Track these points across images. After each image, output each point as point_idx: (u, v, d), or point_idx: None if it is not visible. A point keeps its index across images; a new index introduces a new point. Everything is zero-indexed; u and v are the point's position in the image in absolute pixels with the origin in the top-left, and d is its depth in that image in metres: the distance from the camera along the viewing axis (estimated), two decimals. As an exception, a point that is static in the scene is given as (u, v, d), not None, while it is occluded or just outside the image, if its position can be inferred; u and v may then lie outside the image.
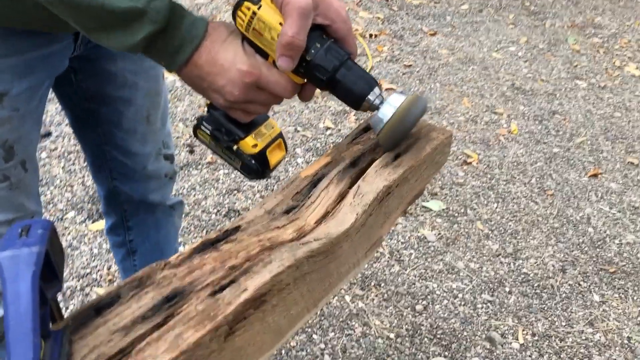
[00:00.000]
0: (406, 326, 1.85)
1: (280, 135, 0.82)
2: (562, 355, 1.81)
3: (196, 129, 0.83)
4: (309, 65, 0.70)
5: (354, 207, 0.73)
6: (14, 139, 0.90)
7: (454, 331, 1.85)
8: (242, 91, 0.70)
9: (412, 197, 0.85)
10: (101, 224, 2.07)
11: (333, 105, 2.97)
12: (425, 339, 1.82)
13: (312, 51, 0.70)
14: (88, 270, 1.94)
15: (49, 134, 2.55)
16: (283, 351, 1.74)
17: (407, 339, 1.81)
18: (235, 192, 2.35)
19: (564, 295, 2.03)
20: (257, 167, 0.80)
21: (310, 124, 2.80)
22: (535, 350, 1.82)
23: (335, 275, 0.72)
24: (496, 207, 2.40)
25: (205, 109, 0.83)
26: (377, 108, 0.74)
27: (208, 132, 0.81)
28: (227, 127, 0.79)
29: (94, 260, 1.98)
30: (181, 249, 2.05)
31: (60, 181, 2.31)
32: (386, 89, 3.17)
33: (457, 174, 2.56)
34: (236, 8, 0.71)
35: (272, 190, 2.39)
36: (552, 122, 3.04)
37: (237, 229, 0.70)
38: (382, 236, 0.81)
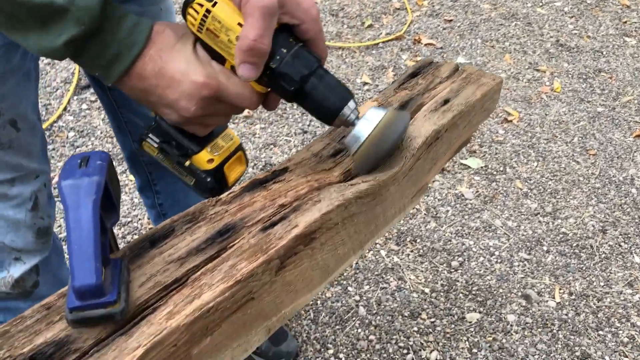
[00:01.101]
0: (441, 282, 1.86)
1: (240, 147, 0.73)
2: (599, 315, 1.80)
3: (142, 140, 0.71)
4: (273, 74, 0.61)
5: (402, 150, 0.72)
6: None
7: (490, 288, 1.85)
8: (199, 105, 0.61)
9: (460, 144, 0.84)
10: (141, 175, 2.11)
11: (371, 60, 2.93)
12: (460, 295, 1.82)
13: (278, 57, 0.60)
14: (129, 219, 1.99)
15: (88, 86, 2.59)
16: (319, 302, 1.78)
17: (442, 294, 1.82)
18: (272, 146, 2.36)
19: (603, 255, 2.00)
20: (214, 185, 0.70)
21: (347, 79, 2.78)
22: (572, 309, 1.81)
23: (381, 218, 0.72)
24: (536, 166, 2.36)
25: (154, 117, 0.71)
26: (352, 124, 0.65)
27: (155, 145, 0.70)
28: (178, 139, 0.69)
29: (134, 209, 2.03)
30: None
31: (101, 132, 2.35)
32: (425, 45, 3.11)
33: (497, 132, 2.52)
34: (186, 5, 0.60)
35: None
36: (597, 80, 2.95)
37: (284, 170, 0.70)
38: (428, 182, 0.80)
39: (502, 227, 2.07)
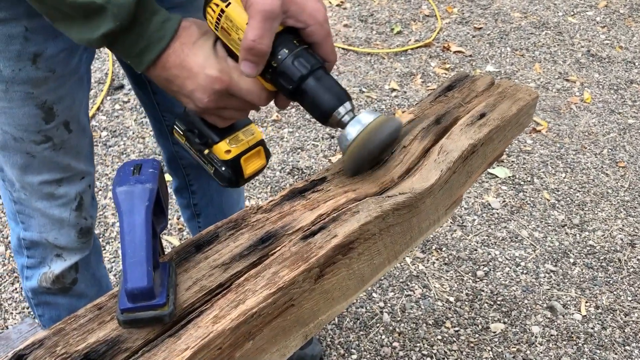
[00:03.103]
0: (466, 291, 1.86)
1: (261, 142, 0.76)
2: (626, 330, 1.79)
3: (171, 128, 0.79)
4: (274, 72, 0.65)
5: (438, 164, 0.74)
6: (52, 100, 0.88)
7: (515, 299, 1.84)
8: (212, 98, 0.66)
9: (494, 157, 0.85)
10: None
11: (399, 66, 2.94)
12: (485, 305, 1.82)
13: (279, 57, 0.64)
14: (159, 219, 2.03)
15: (121, 87, 2.65)
16: (343, 307, 1.79)
17: (466, 303, 1.82)
18: (299, 150, 2.38)
19: (631, 270, 1.98)
20: (230, 175, 0.74)
21: (375, 85, 2.79)
22: (597, 323, 1.80)
23: (416, 230, 0.74)
24: (564, 177, 2.35)
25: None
26: (345, 125, 0.67)
27: (181, 132, 0.77)
28: (201, 129, 0.74)
29: (164, 209, 2.07)
30: (247, 203, 2.11)
31: (133, 132, 2.40)
32: (454, 52, 3.11)
33: (525, 142, 2.51)
34: (206, 4, 0.66)
35: (335, 149, 2.41)
36: (629, 92, 2.92)
37: (323, 179, 0.72)
38: (462, 195, 0.81)
39: (528, 237, 2.06)
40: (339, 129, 0.68)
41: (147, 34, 0.63)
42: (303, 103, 0.67)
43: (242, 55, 0.63)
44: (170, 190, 2.13)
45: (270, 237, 0.61)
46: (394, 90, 2.77)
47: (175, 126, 0.77)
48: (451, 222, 2.09)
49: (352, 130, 0.67)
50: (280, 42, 0.64)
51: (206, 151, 0.75)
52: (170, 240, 1.96)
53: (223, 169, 0.74)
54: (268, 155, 0.78)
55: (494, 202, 2.19)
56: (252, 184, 2.21)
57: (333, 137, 2.46)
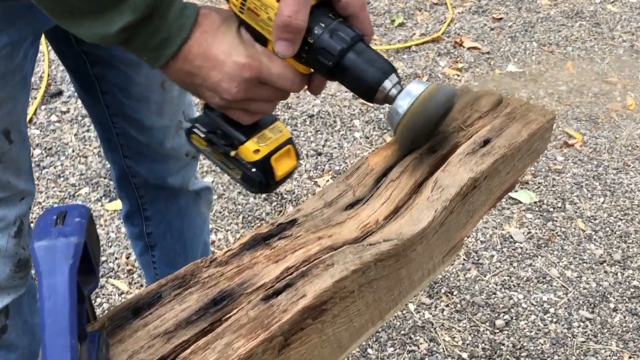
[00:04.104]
0: (483, 345, 1.87)
1: (290, 141, 0.83)
2: (678, 392, 1.80)
3: (190, 133, 0.84)
4: (311, 50, 0.72)
5: (432, 202, 0.76)
6: None
7: (542, 354, 1.86)
8: (241, 87, 0.72)
9: (502, 192, 0.87)
10: (119, 204, 2.16)
11: (401, 66, 2.98)
12: (506, 362, 1.84)
13: (315, 32, 0.71)
14: (104, 258, 2.04)
15: (60, 93, 2.66)
16: (331, 366, 1.80)
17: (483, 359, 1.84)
18: (278, 171, 2.40)
19: (685, 316, 2.00)
20: (260, 178, 0.80)
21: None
22: (644, 383, 1.81)
23: (406, 283, 0.75)
24: (602, 202, 2.38)
25: (201, 109, 0.85)
26: (393, 99, 0.74)
27: (202, 135, 0.83)
28: (225, 129, 0.81)
29: (110, 246, 2.08)
30: (212, 237, 2.12)
31: (73, 150, 2.41)
32: (468, 49, 3.15)
33: (555, 159, 2.54)
34: None
35: (323, 169, 2.43)
36: (681, 96, 2.97)
37: (292, 222, 0.74)
38: (463, 238, 0.83)
39: (559, 277, 2.08)
40: (387, 105, 0.75)
41: (166, 24, 0.68)
42: (344, 80, 0.74)
43: (277, 34, 0.70)
44: (111, 227, 2.14)
45: (224, 298, 0.63)
46: (394, 95, 2.80)
47: (193, 130, 0.83)
48: (464, 259, 2.11)
49: (403, 103, 0.73)
50: (314, 17, 0.70)
51: (232, 153, 0.81)
52: (118, 285, 1.96)
53: (253, 170, 0.80)
54: (298, 155, 0.84)
55: (516, 233, 2.21)
56: (221, 213, 2.23)
57: (320, 154, 2.48)
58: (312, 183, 2.38)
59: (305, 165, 2.43)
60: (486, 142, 0.82)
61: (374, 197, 0.78)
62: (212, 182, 2.32)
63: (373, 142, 2.56)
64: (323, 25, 0.71)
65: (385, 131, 2.62)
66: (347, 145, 2.54)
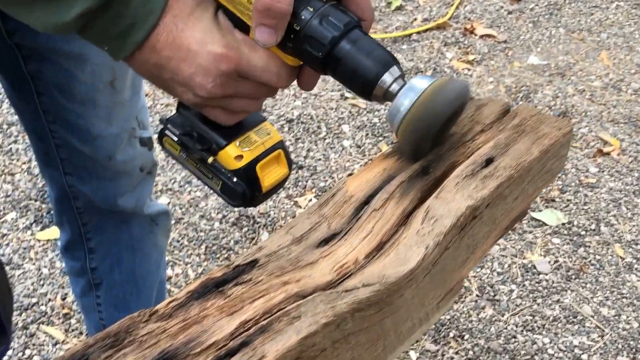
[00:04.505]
0: (500, 400, 1.88)
1: (280, 144, 0.84)
2: None
3: (162, 135, 0.86)
4: (298, 38, 0.73)
5: (422, 236, 0.76)
6: None
7: (573, 410, 1.86)
8: (217, 82, 0.74)
9: (510, 221, 0.87)
10: (54, 232, 2.16)
11: (400, 59, 2.99)
12: (529, 421, 1.84)
13: (302, 17, 0.72)
14: (34, 300, 2.03)
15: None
16: None
17: (500, 419, 1.84)
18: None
19: None
20: (244, 189, 0.82)
21: (364, 88, 2.84)
22: None
23: (392, 336, 0.75)
24: (645, 223, 2.39)
25: (175, 107, 0.86)
26: (394, 96, 0.76)
27: (176, 139, 0.84)
28: (201, 131, 0.82)
29: (43, 284, 2.07)
30: (169, 272, 2.12)
31: (-3, 166, 2.41)
32: (481, 37, 3.17)
33: (587, 170, 2.56)
34: None
35: (305, 186, 2.43)
36: None
37: (252, 264, 0.74)
38: (463, 278, 0.84)
39: (593, 316, 2.09)
40: (387, 103, 0.76)
41: (131, 9, 0.70)
42: (337, 74, 0.75)
43: (257, 19, 0.71)
44: (48, 258, 2.13)
45: (166, 360, 0.63)
46: (392, 95, 2.81)
47: (166, 132, 0.85)
48: (477, 296, 2.11)
49: (405, 101, 0.75)
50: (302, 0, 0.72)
51: (210, 159, 0.82)
52: (52, 333, 1.95)
53: (234, 180, 0.81)
54: (290, 161, 0.86)
55: (541, 263, 2.22)
56: (179, 242, 2.23)
57: (302, 168, 2.49)
58: (292, 203, 2.39)
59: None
60: (489, 161, 0.82)
61: (353, 230, 0.78)
62: (168, 203, 2.33)
63: (366, 152, 2.57)
64: (311, 9, 0.72)
65: (380, 138, 2.63)
66: (334, 156, 2.55)
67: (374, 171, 0.85)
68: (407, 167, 0.83)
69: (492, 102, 0.91)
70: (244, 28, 0.74)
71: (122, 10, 0.70)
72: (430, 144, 0.82)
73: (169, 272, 2.13)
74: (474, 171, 0.82)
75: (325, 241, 0.78)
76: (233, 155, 0.81)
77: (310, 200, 2.38)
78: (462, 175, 0.81)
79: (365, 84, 0.75)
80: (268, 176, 0.83)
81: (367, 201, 0.81)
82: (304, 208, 2.29)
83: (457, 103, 0.79)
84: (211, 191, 0.85)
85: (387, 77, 0.75)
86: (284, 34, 0.73)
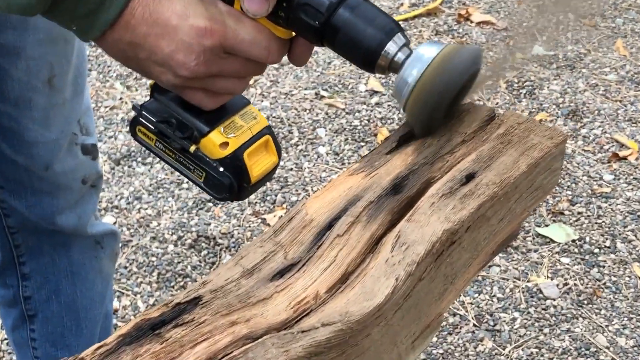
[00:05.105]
0: None
1: (268, 129, 0.87)
2: None
3: (135, 124, 0.88)
4: (291, 6, 0.76)
5: (392, 266, 0.76)
6: None
7: None
8: (201, 59, 0.76)
9: (497, 245, 0.88)
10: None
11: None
12: None
13: None
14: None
15: None
16: None
17: None
18: (209, 204, 2.40)
19: None
20: (231, 180, 0.84)
21: (342, 85, 2.84)
22: None
23: (358, 383, 0.76)
24: (668, 238, 2.40)
25: (149, 92, 0.88)
26: (400, 67, 0.79)
27: (152, 127, 0.86)
28: (181, 117, 0.84)
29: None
30: (115, 304, 2.11)
31: None
32: (478, 24, 3.19)
33: (601, 178, 2.57)
34: None
35: (274, 201, 2.44)
36: None
37: (195, 301, 0.74)
38: (442, 313, 0.84)
39: (609, 348, 2.10)
40: (392, 74, 0.79)
41: None
42: (335, 45, 0.79)
43: None
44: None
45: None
46: (375, 93, 2.82)
47: (140, 120, 0.87)
48: (475, 326, 2.12)
49: (413, 71, 0.78)
50: None
51: (192, 148, 0.84)
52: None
53: (221, 170, 0.83)
54: (279, 148, 0.88)
55: (547, 286, 2.22)
56: (127, 268, 2.22)
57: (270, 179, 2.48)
58: (259, 221, 2.39)
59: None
60: (470, 177, 0.83)
61: (313, 259, 0.79)
62: (114, 223, 2.32)
63: (345, 161, 2.58)
64: None
65: (362, 144, 2.63)
66: (308, 166, 2.55)
67: (339, 190, 0.85)
68: (375, 185, 0.84)
69: (474, 107, 0.92)
70: None
71: None
72: (442, 118, 0.85)
73: (115, 304, 2.12)
74: (453, 189, 0.82)
75: (281, 273, 0.78)
76: (218, 142, 0.83)
77: (281, 217, 2.38)
78: (439, 194, 0.82)
79: (367, 54, 0.78)
80: (257, 165, 0.85)
81: (329, 225, 0.82)
82: (281, 218, 2.29)
83: (470, 71, 0.81)
84: (186, 186, 0.86)
85: (391, 46, 0.77)
86: (275, 2, 0.75)
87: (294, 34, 0.80)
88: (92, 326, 1.55)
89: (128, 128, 0.90)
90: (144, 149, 0.91)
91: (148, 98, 0.89)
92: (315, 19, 0.76)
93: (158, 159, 2.21)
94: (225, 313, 0.73)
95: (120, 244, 2.25)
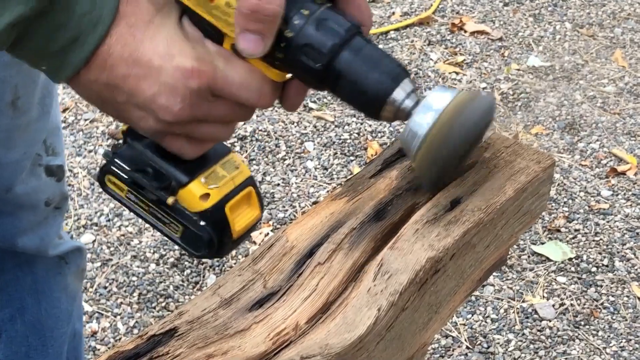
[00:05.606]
0: None
1: (250, 180, 0.83)
2: None
3: (104, 173, 0.83)
4: (290, 47, 0.73)
5: (374, 295, 0.77)
6: None
7: None
8: (186, 102, 0.72)
9: (483, 272, 0.89)
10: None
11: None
12: None
13: (295, 22, 0.72)
14: None
15: None
16: None
17: None
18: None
19: None
20: (210, 235, 0.80)
21: (332, 98, 2.84)
22: None
23: (340, 417, 0.76)
24: (668, 256, 2.41)
25: (121, 137, 0.84)
26: (409, 115, 0.76)
27: (125, 176, 0.82)
28: (158, 165, 0.80)
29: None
30: (94, 326, 2.11)
31: None
32: (472, 34, 3.19)
33: (599, 194, 2.57)
34: None
35: (264, 221, 2.43)
36: None
37: (171, 333, 0.75)
38: (427, 343, 0.85)
39: (605, 370, 2.10)
40: (400, 122, 0.77)
41: (74, 17, 0.68)
42: (337, 90, 0.76)
43: (242, 24, 0.70)
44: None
45: None
46: (365, 105, 2.82)
47: (111, 168, 0.82)
48: (468, 348, 2.12)
49: (423, 120, 0.76)
50: (293, 0, 0.72)
51: (170, 200, 0.79)
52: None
53: (201, 224, 0.79)
54: (262, 201, 0.84)
55: (543, 306, 2.22)
56: (107, 288, 2.22)
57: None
58: (246, 241, 2.39)
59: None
60: (454, 203, 0.84)
61: (293, 288, 0.79)
62: (94, 241, 2.32)
63: (334, 176, 2.58)
64: (306, 12, 0.73)
65: (352, 158, 2.64)
66: (295, 181, 2.55)
67: (320, 216, 0.86)
68: (358, 211, 0.85)
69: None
70: (217, 37, 0.74)
71: (63, 20, 0.68)
72: (452, 172, 0.84)
73: (94, 326, 2.12)
74: (437, 215, 0.83)
75: (260, 303, 0.78)
76: (198, 194, 0.79)
77: (267, 234, 2.39)
78: (423, 220, 0.82)
79: (372, 102, 0.76)
80: (239, 219, 0.82)
81: (311, 253, 0.82)
82: (260, 244, 2.29)
83: (484, 123, 0.80)
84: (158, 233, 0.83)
85: (398, 93, 0.75)
86: (272, 42, 0.72)
87: (287, 76, 0.77)
88: (58, 345, 1.54)
89: (96, 177, 0.86)
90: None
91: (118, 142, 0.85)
92: (317, 61, 0.73)
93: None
94: (202, 345, 0.73)
95: (96, 263, 2.26)
